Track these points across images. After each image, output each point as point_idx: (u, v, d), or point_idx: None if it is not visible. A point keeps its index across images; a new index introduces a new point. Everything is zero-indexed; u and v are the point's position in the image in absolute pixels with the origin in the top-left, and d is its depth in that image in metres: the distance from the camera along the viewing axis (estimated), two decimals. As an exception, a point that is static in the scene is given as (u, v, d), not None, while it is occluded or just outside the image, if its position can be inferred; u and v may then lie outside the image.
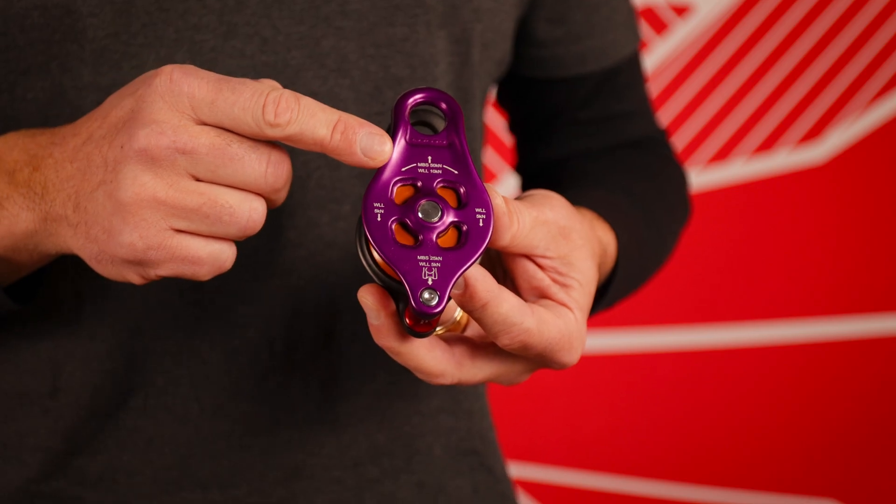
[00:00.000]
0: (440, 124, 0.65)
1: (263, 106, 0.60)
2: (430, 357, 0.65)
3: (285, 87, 0.74)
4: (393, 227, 0.62)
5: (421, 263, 0.61)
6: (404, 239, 0.62)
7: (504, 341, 0.64)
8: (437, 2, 0.78)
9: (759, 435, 1.89)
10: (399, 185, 0.63)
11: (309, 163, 0.77)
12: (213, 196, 0.61)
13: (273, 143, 0.62)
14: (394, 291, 0.63)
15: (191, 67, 0.61)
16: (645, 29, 1.83)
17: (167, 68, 0.61)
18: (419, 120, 0.65)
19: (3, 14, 0.72)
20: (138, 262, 0.62)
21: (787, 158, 1.87)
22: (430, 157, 0.64)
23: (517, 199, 0.68)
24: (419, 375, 0.66)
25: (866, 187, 1.87)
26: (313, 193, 0.77)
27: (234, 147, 0.61)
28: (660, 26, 1.84)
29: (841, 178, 1.86)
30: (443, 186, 0.63)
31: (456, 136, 0.64)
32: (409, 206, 0.62)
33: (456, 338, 0.68)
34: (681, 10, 1.84)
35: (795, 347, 1.89)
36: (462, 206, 0.63)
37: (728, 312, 1.88)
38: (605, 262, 0.76)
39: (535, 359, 0.67)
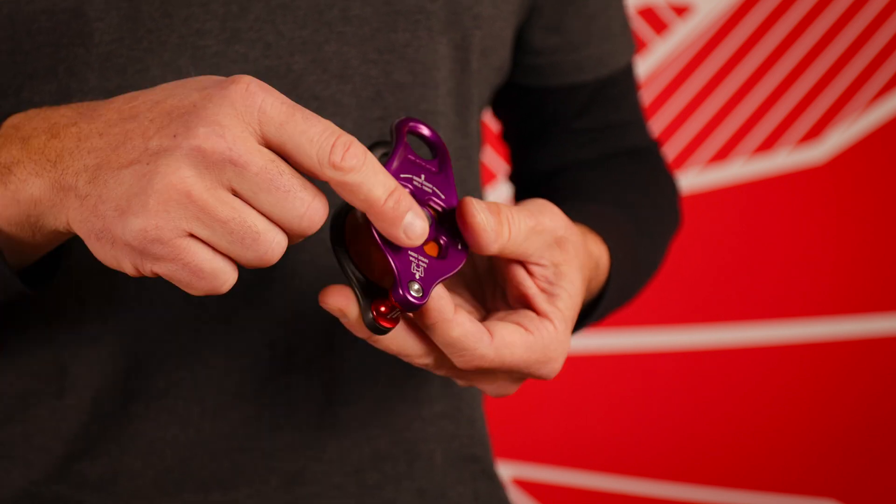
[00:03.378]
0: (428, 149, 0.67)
1: (333, 145, 0.58)
2: (408, 341, 0.66)
3: (287, 92, 0.75)
4: None
5: (411, 259, 0.62)
6: None
7: (458, 362, 0.65)
8: (438, 8, 0.78)
9: (759, 435, 1.89)
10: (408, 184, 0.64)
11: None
12: (245, 215, 0.58)
13: (319, 189, 0.60)
14: (363, 288, 0.63)
15: (269, 87, 0.59)
16: (645, 29, 1.83)
17: (246, 78, 0.59)
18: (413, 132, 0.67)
19: (10, 18, 0.72)
20: (140, 251, 0.59)
21: (787, 158, 1.87)
22: (423, 176, 0.64)
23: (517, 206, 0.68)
24: (405, 360, 0.67)
25: (866, 187, 1.87)
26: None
27: (285, 178, 0.58)
28: (660, 26, 1.84)
29: (841, 178, 1.86)
30: (431, 204, 0.65)
31: (444, 167, 0.65)
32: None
33: None
34: (681, 10, 1.84)
35: (795, 347, 1.89)
36: (443, 227, 0.65)
37: (728, 312, 1.88)
38: (596, 276, 0.76)
39: (508, 374, 0.68)
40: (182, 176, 0.58)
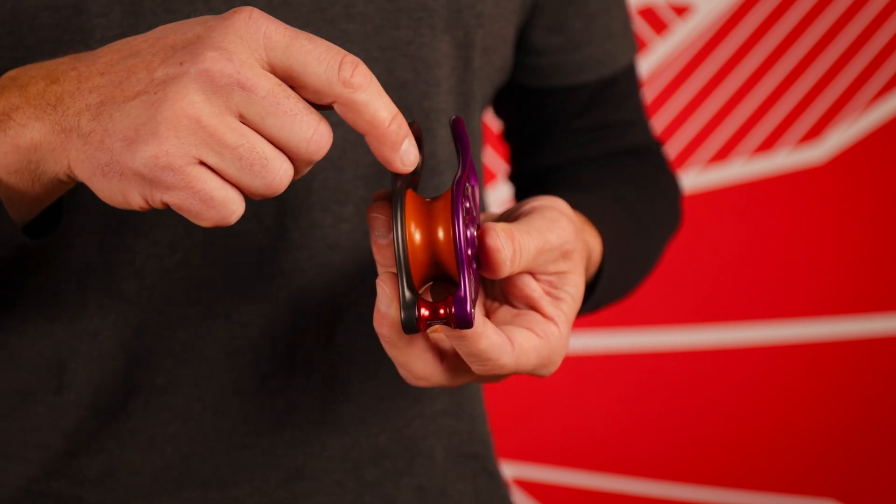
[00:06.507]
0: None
1: (341, 62, 0.58)
2: (420, 359, 0.66)
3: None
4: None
5: (475, 275, 0.62)
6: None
7: (477, 370, 0.65)
8: (440, 6, 0.78)
9: (759, 435, 1.89)
10: (467, 200, 0.63)
11: (313, 164, 0.77)
12: (253, 141, 0.58)
13: (322, 116, 0.60)
14: (409, 285, 0.62)
15: (271, 16, 0.59)
16: (645, 29, 1.83)
17: (247, 8, 0.59)
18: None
19: (12, 14, 0.71)
20: (150, 181, 0.59)
21: (787, 158, 1.87)
22: (471, 189, 0.65)
23: (525, 210, 0.69)
24: (402, 372, 0.66)
25: (866, 187, 1.87)
26: (317, 195, 0.77)
27: (291, 101, 0.58)
28: (660, 26, 1.84)
29: (841, 178, 1.87)
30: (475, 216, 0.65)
31: (467, 173, 0.64)
32: (468, 221, 0.63)
33: (450, 348, 0.68)
34: (681, 10, 1.84)
35: (795, 347, 1.89)
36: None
37: (728, 312, 1.88)
38: (588, 266, 0.76)
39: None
40: (191, 101, 0.58)
